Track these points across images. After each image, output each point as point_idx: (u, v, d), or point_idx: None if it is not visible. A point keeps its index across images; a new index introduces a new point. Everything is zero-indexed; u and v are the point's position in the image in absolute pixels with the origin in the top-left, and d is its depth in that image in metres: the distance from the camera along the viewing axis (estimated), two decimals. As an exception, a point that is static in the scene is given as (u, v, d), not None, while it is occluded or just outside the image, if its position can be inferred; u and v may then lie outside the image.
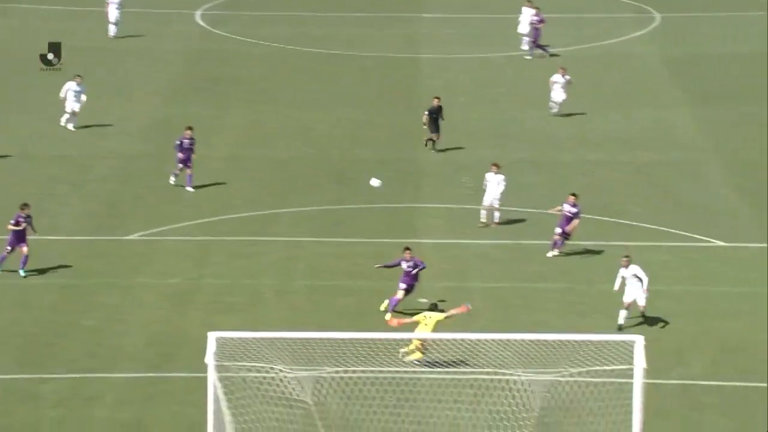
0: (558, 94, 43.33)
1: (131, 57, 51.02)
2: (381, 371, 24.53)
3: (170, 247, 33.59)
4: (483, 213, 34.50)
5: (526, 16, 51.00)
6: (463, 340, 26.30)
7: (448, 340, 26.29)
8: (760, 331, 28.63)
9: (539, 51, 50.49)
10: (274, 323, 28.47)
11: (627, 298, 27.71)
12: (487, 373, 25.71)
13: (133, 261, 32.65)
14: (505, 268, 32.20)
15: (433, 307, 26.78)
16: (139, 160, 40.25)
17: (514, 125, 43.59)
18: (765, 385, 26.30)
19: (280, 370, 23.17)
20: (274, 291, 30.92)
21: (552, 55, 50.32)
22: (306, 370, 23.29)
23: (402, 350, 26.07)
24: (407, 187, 38.02)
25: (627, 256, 27.94)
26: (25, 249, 30.99)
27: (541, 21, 50.68)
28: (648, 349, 23.00)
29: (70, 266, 31.97)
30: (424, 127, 40.00)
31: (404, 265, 28.90)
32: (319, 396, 23.97)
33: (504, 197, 34.47)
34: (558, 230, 31.98)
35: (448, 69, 50.36)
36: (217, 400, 22.55)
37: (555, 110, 43.47)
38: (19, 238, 31.05)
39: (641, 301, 27.83)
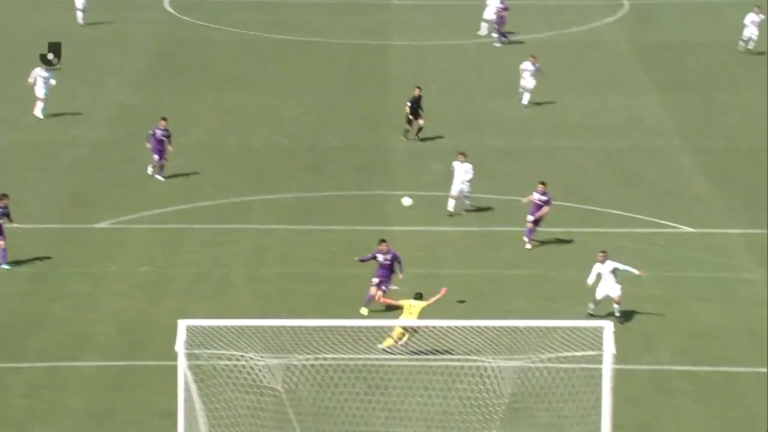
0: (528, 82, 43.42)
1: (100, 44, 50.69)
2: (352, 359, 24.57)
3: (141, 235, 33.46)
4: (450, 202, 34.55)
5: (493, 2, 51.14)
6: (434, 327, 26.37)
7: (419, 328, 26.34)
8: (729, 317, 28.87)
9: (498, 36, 50.57)
10: (246, 311, 28.45)
11: (599, 295, 27.66)
12: (458, 360, 25.80)
13: (103, 249, 32.50)
14: (476, 255, 32.29)
15: (418, 296, 26.72)
16: (108, 147, 40.03)
17: (485, 112, 43.65)
18: (735, 369, 26.52)
19: (251, 358, 23.15)
20: (246, 279, 30.87)
21: (513, 42, 50.44)
22: (277, 357, 23.29)
23: (380, 346, 26.07)
24: (378, 175, 38.03)
25: (603, 252, 27.90)
26: (2, 242, 30.61)
27: (505, 9, 50.86)
28: (617, 335, 23.13)
29: (40, 255, 31.78)
30: (411, 117, 39.90)
31: (380, 257, 28.67)
32: (290, 384, 23.98)
33: (472, 185, 34.48)
34: (529, 218, 32.05)
35: (418, 56, 50.34)
36: (187, 388, 22.51)
37: (524, 98, 43.54)
38: None
39: (616, 294, 27.77)
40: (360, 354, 24.46)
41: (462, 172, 34.30)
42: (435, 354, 26.15)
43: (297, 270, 31.35)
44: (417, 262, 30.87)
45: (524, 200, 32.15)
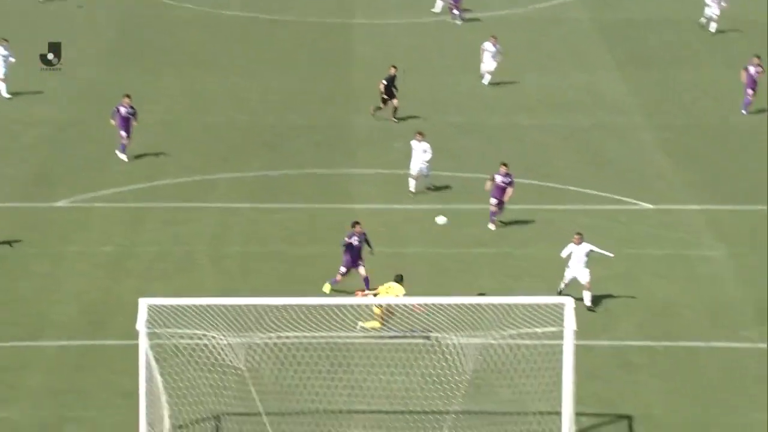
0: (488, 63, 43.46)
1: (61, 22, 50.19)
2: (314, 337, 24.61)
3: (102, 214, 33.28)
4: (411, 182, 34.57)
5: None
6: (397, 305, 26.44)
7: (382, 305, 26.40)
8: (689, 293, 29.14)
9: (458, 14, 50.55)
10: (208, 290, 28.40)
11: (567, 277, 27.65)
12: (421, 337, 25.91)
13: (64, 228, 32.31)
14: (439, 233, 32.37)
15: (399, 279, 26.57)
16: (69, 126, 39.75)
17: (447, 90, 43.67)
18: (694, 345, 26.80)
19: (213, 337, 23.13)
20: (208, 257, 30.79)
21: (474, 19, 50.45)
22: (239, 336, 23.29)
23: (359, 324, 26.05)
24: (341, 153, 38.01)
25: (579, 234, 27.85)
26: None
27: None
28: (578, 311, 23.33)
29: (0, 235, 31.53)
30: (384, 97, 39.77)
31: (355, 240, 28.31)
32: (253, 362, 23.99)
33: (431, 164, 34.47)
34: (493, 201, 32.04)
35: (380, 34, 50.25)
36: (149, 367, 22.49)
37: (485, 79, 43.59)
38: None
39: (585, 279, 27.81)
40: (322, 332, 24.50)
41: (420, 152, 34.30)
42: (398, 331, 26.22)
43: (259, 249, 31.31)
44: (380, 241, 30.86)
45: (488, 185, 32.03)
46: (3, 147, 37.91)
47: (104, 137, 38.39)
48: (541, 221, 32.97)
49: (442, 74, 45.41)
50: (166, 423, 22.27)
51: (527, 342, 24.86)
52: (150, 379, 22.45)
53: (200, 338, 23.37)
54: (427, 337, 25.26)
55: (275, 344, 24.45)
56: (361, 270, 28.21)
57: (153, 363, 22.52)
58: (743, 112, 41.08)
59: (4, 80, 41.32)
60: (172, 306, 23.11)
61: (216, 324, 23.27)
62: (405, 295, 26.17)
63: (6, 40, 40.80)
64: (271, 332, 24.30)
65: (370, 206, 33.99)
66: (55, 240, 31.55)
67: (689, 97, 43.15)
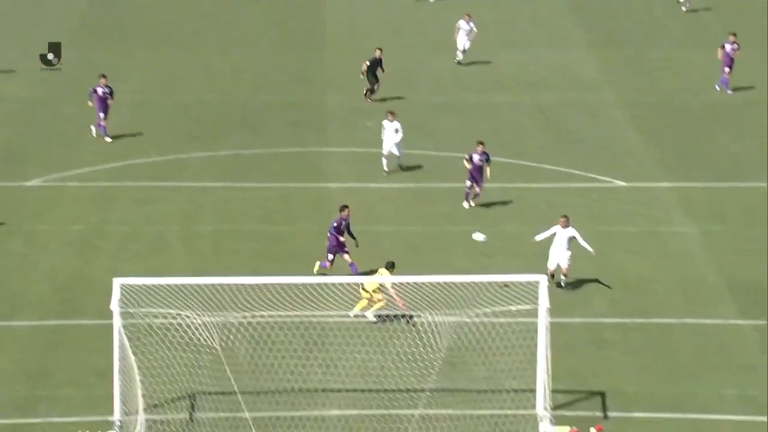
0: (462, 41, 43.42)
1: (29, -1, 49.74)
2: (289, 316, 24.58)
3: (73, 193, 33.07)
4: (384, 162, 34.52)
5: None
6: (371, 283, 26.44)
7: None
8: (660, 269, 29.32)
9: None
10: (181, 269, 28.30)
11: (551, 265, 27.58)
12: (395, 316, 25.95)
13: (34, 207, 32.08)
14: (413, 211, 32.38)
15: (390, 266, 26.21)
16: (39, 104, 39.42)
17: (421, 68, 43.61)
18: (666, 321, 26.98)
19: (187, 316, 23.07)
20: (181, 237, 30.67)
21: None
22: (213, 315, 23.23)
23: (352, 312, 25.93)
24: (313, 132, 37.90)
25: (566, 217, 27.70)
26: None
27: None
28: (551, 289, 23.43)
29: (-31, 214, 31.33)
30: (362, 77, 39.63)
31: (343, 225, 27.96)
32: (227, 341, 23.96)
33: (402, 143, 34.38)
34: (468, 183, 31.97)
35: (352, 12, 50.06)
36: (123, 346, 22.42)
37: (458, 56, 43.55)
38: None
39: (564, 264, 27.77)
40: (297, 311, 24.48)
41: (391, 131, 34.21)
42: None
43: (232, 228, 31.22)
44: (354, 219, 30.81)
45: (466, 164, 31.89)
46: (-28, 125, 37.61)
47: (74, 116, 38.13)
48: (514, 199, 33.04)
49: (415, 52, 45.34)
50: (140, 402, 22.21)
51: (501, 320, 24.95)
52: (124, 358, 22.38)
53: (174, 317, 23.31)
54: (411, 317, 25.17)
55: (249, 323, 24.42)
56: (346, 257, 27.82)
57: (126, 342, 22.44)
58: (717, 88, 41.18)
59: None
60: (145, 285, 23.02)
61: (190, 303, 23.21)
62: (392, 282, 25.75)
63: None
64: (245, 311, 24.26)
65: (343, 185, 33.94)
66: (26, 219, 31.32)
67: (661, 75, 43.30)
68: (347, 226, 28.12)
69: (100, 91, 36.01)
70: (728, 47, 40.80)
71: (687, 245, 30.70)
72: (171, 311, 23.17)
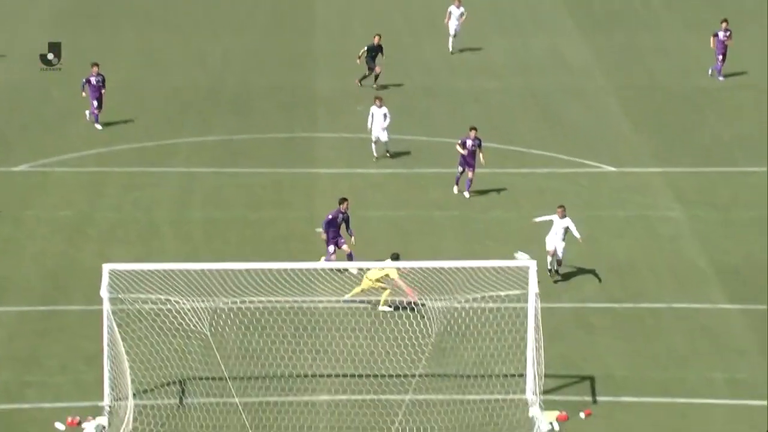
0: (453, 26, 43.36)
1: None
2: (279, 301, 24.58)
3: (61, 179, 32.97)
4: (373, 147, 34.45)
5: None
6: (361, 269, 26.46)
7: (346, 270, 26.41)
8: (649, 254, 29.37)
9: None
10: (170, 255, 28.25)
11: (549, 246, 27.44)
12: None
13: (22, 193, 31.99)
14: (403, 197, 32.37)
15: (395, 258, 25.93)
16: (26, 88, 39.26)
17: (411, 52, 43.52)
18: (654, 306, 27.04)
19: (177, 302, 23.05)
20: (170, 223, 30.61)
21: None
22: (203, 301, 23.21)
23: (346, 296, 25.82)
24: (304, 117, 37.83)
25: (563, 207, 27.62)
26: None
27: None
28: (540, 274, 23.46)
29: (-42, 200, 31.24)
30: (358, 62, 39.46)
31: (339, 218, 27.48)
32: (217, 326, 23.95)
33: (390, 129, 34.28)
34: (459, 169, 31.86)
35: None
36: (112, 332, 22.39)
37: (450, 43, 43.47)
38: None
39: (559, 253, 27.67)
40: (287, 296, 24.48)
41: (380, 117, 34.11)
42: (363, 295, 26.24)
43: (223, 213, 31.17)
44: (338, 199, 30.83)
45: (459, 150, 31.76)
46: (-41, 111, 37.47)
47: (62, 100, 38.00)
48: (504, 185, 33.04)
49: (406, 37, 45.23)
50: (129, 387, 22.20)
51: (491, 305, 24.98)
52: (113, 343, 22.36)
53: (163, 303, 23.29)
54: (423, 305, 24.80)
55: (239, 308, 24.41)
56: (344, 247, 27.54)
57: (115, 328, 22.42)
58: (711, 74, 41.16)
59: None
60: (134, 271, 22.99)
61: (179, 289, 23.20)
62: (400, 273, 25.42)
63: None
64: (235, 297, 24.25)
65: (333, 170, 33.90)
66: (14, 205, 31.23)
67: (652, 60, 43.30)
68: (346, 221, 27.57)
69: (93, 80, 35.88)
70: (721, 35, 40.78)
71: (676, 230, 30.75)
72: (160, 297, 23.15)
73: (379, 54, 39.29)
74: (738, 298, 27.24)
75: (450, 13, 43.34)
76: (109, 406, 22.60)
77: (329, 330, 24.99)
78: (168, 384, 23.38)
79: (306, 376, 23.82)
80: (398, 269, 25.69)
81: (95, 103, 35.96)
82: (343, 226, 27.66)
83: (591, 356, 25.08)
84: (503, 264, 23.96)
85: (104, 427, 22.26)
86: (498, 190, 32.66)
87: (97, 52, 41.45)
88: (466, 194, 31.84)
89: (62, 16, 46.15)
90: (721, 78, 41.01)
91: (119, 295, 22.93)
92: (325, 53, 43.40)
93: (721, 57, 40.85)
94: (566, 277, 28.14)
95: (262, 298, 24.33)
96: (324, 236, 27.56)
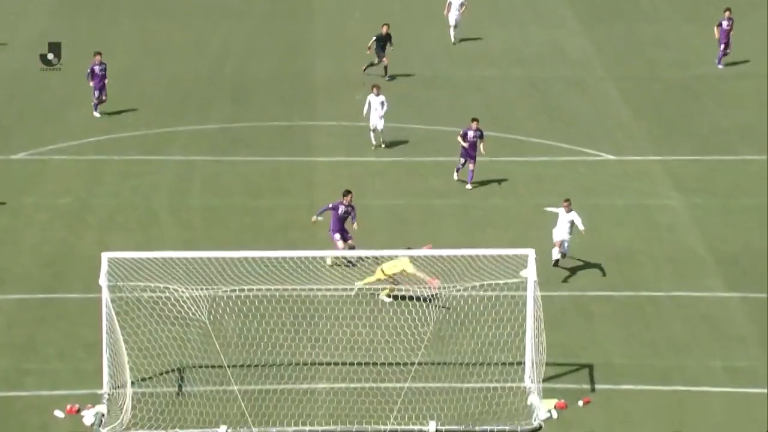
0: (453, 17, 43.27)
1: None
2: (278, 289, 24.57)
3: (60, 167, 32.93)
4: (372, 135, 34.41)
5: None
6: (360, 257, 26.45)
7: (345, 258, 26.40)
8: (647, 242, 29.37)
9: None
10: (169, 243, 28.23)
11: (557, 238, 27.36)
12: (383, 289, 25.95)
13: (20, 181, 31.95)
14: (402, 185, 32.35)
15: (411, 258, 25.49)
16: (23, 76, 39.20)
17: (410, 41, 43.44)
18: (653, 294, 27.06)
19: (176, 290, 23.03)
20: (169, 210, 30.59)
21: None
22: (202, 289, 23.21)
23: (357, 284, 25.73)
24: (302, 105, 37.78)
25: (568, 200, 27.51)
26: None
27: None
28: (540, 261, 23.46)
29: (-44, 188, 31.19)
30: (368, 53, 39.33)
31: (341, 210, 27.15)
32: (216, 314, 23.95)
33: (386, 118, 34.19)
34: (461, 160, 31.75)
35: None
36: (111, 320, 22.39)
37: (451, 34, 43.38)
38: None
39: (565, 245, 27.44)
40: (286, 284, 24.47)
41: (377, 105, 34.02)
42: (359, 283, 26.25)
43: (221, 201, 31.14)
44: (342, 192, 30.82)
45: (461, 141, 31.64)
46: (-43, 99, 37.42)
47: (59, 87, 37.96)
48: (504, 173, 33.02)
49: (406, 24, 45.14)
50: (128, 375, 22.20)
51: (490, 293, 24.99)
52: (112, 331, 22.35)
53: (162, 291, 23.27)
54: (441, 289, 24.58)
55: (238, 297, 24.40)
56: (350, 242, 27.22)
57: (114, 316, 22.41)
58: (720, 66, 41.13)
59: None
60: (133, 259, 22.97)
61: (178, 277, 23.18)
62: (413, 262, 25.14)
63: None
64: (234, 285, 24.23)
65: (332, 159, 33.87)
66: (13, 193, 31.20)
67: (650, 49, 43.25)
68: (351, 214, 27.10)
69: (96, 68, 35.83)
70: (725, 24, 40.74)
71: (675, 218, 30.75)
72: (159, 285, 23.14)
73: (388, 43, 39.15)
74: (737, 286, 27.25)
75: (450, 3, 43.23)
76: (108, 394, 22.61)
77: (328, 318, 24.98)
78: (167, 372, 23.38)
79: (305, 364, 23.82)
80: (411, 260, 25.43)
81: (96, 93, 35.92)
82: (349, 219, 27.30)
83: (590, 344, 25.09)
84: (503, 252, 23.95)
85: (103, 415, 22.26)
86: (497, 178, 32.64)
87: (95, 40, 41.38)
88: (468, 186, 31.80)
89: (62, 5, 46.05)
90: (720, 66, 40.98)
91: (118, 283, 22.92)
92: (324, 40, 43.33)
93: (723, 46, 40.82)
94: (565, 265, 28.09)
95: (261, 286, 24.32)
96: (315, 219, 27.22)
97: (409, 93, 38.45)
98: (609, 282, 27.50)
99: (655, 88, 39.84)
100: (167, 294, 23.23)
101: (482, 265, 24.41)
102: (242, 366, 23.56)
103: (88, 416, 22.33)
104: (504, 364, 23.60)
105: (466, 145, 31.53)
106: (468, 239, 28.78)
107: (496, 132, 35.39)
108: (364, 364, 23.73)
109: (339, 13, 46.36)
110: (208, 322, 23.19)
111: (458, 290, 24.91)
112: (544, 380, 23.13)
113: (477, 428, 22.12)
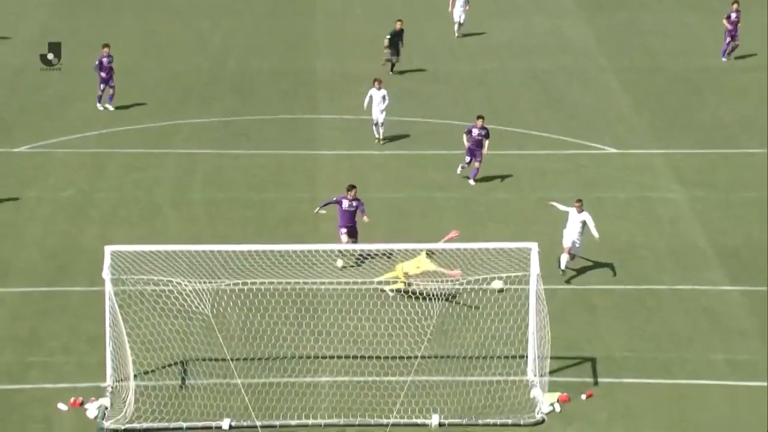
0: (457, 13, 43.24)
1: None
2: (281, 282, 24.61)
3: (62, 160, 32.97)
4: (375, 129, 34.40)
5: None
6: (362, 250, 26.49)
7: (347, 251, 26.45)
8: (648, 235, 29.41)
9: None
10: (172, 236, 28.28)
11: (566, 243, 27.09)
12: (387, 282, 25.99)
13: (23, 174, 31.99)
14: (404, 178, 32.37)
15: (430, 253, 25.39)
16: (26, 70, 39.22)
17: (412, 35, 43.43)
18: (655, 287, 27.09)
19: (179, 283, 23.08)
20: (172, 203, 30.63)
21: None
22: (205, 282, 23.24)
23: (376, 279, 25.76)
24: (304, 98, 37.80)
25: (580, 201, 27.33)
26: None
27: None
28: (543, 255, 23.49)
29: (-41, 181, 31.24)
30: (386, 50, 39.27)
31: (345, 204, 26.94)
32: (219, 308, 23.99)
33: (388, 112, 34.19)
34: (467, 158, 31.73)
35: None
36: (114, 313, 22.43)
37: (456, 28, 43.35)
38: None
39: (574, 249, 27.14)
40: (289, 278, 24.50)
41: (379, 99, 34.02)
42: (364, 276, 26.27)
43: (224, 195, 31.18)
44: (345, 186, 30.83)
45: (465, 139, 31.61)
46: (-40, 92, 37.44)
47: (62, 82, 37.97)
48: (505, 166, 33.05)
49: (407, 19, 45.08)
50: (131, 368, 22.26)
51: (492, 286, 25.02)
52: (115, 324, 22.40)
53: (165, 284, 23.32)
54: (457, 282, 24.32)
55: (241, 290, 24.44)
56: (352, 239, 26.82)
57: (117, 309, 22.46)
58: (723, 59, 41.12)
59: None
60: (136, 252, 23.01)
61: (181, 270, 23.22)
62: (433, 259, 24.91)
63: None
64: (237, 278, 24.27)
65: (334, 152, 33.90)
66: (15, 186, 31.24)
67: (653, 41, 43.23)
68: (360, 208, 26.86)
69: (105, 60, 35.86)
70: (733, 16, 40.75)
71: (676, 211, 30.77)
72: (162, 278, 23.18)
73: (400, 41, 39.12)
74: (738, 280, 27.29)
75: (454, 0, 43.23)
76: (111, 387, 22.66)
77: (331, 311, 25.02)
78: (170, 365, 23.43)
79: (308, 357, 23.87)
80: (429, 256, 25.28)
81: (102, 86, 35.95)
82: (359, 214, 27.03)
83: (592, 337, 25.13)
84: (504, 246, 23.98)
85: (106, 408, 22.32)
86: (499, 172, 32.66)
87: (95, 34, 41.38)
88: (471, 182, 31.81)
89: (63, 0, 46.10)
90: (724, 59, 40.98)
91: (121, 277, 22.97)
92: (326, 35, 43.33)
93: (729, 39, 40.84)
94: (562, 248, 28.10)
95: (264, 280, 24.36)
96: (318, 211, 27.18)
97: (410, 86, 38.46)
98: (611, 275, 27.53)
99: (657, 80, 39.83)
100: (170, 287, 23.27)
101: (484, 258, 24.43)
102: (245, 359, 23.62)
103: (92, 409, 22.39)
104: (507, 357, 23.64)
105: (468, 144, 31.44)
106: (469, 233, 28.81)
107: (498, 125, 35.40)
108: (367, 357, 23.78)
109: (341, 7, 46.35)
110: (211, 316, 23.23)
111: (461, 284, 24.95)
112: (543, 374, 23.16)
113: (480, 421, 22.17)
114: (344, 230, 26.96)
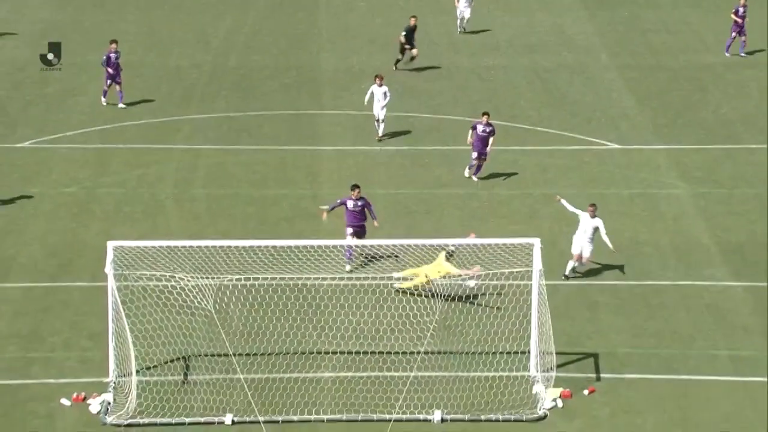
0: (461, 9, 43.20)
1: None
2: (283, 278, 24.62)
3: (65, 156, 32.98)
4: (377, 125, 34.36)
5: None
6: (365, 246, 26.49)
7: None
8: (651, 231, 29.39)
9: None
10: (174, 232, 28.29)
11: (575, 250, 26.82)
12: (389, 279, 25.99)
13: (26, 170, 32.00)
14: (406, 175, 32.37)
15: (449, 255, 25.27)
16: (29, 66, 39.22)
17: (416, 31, 43.39)
18: (657, 283, 27.08)
19: (181, 279, 23.09)
20: (174, 200, 30.64)
21: None
22: (207, 278, 23.25)
23: (395, 275, 25.72)
24: (307, 94, 37.79)
25: (594, 205, 27.03)
26: None
27: None
28: (545, 251, 23.48)
29: (-38, 177, 31.26)
30: (406, 47, 39.20)
31: (350, 204, 26.83)
32: (222, 303, 24.00)
33: (389, 109, 34.15)
34: (474, 154, 31.66)
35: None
36: (117, 309, 22.45)
37: (460, 25, 43.31)
38: None
39: (586, 253, 26.94)
40: (292, 274, 24.51)
41: (380, 95, 33.99)
42: (366, 272, 26.28)
43: (227, 191, 31.18)
44: (348, 183, 30.81)
45: (470, 135, 31.55)
46: (-37, 88, 37.44)
47: (66, 78, 37.96)
48: (508, 162, 33.03)
49: (411, 13, 45.05)
50: (134, 364, 22.27)
51: (495, 282, 25.02)
52: (117, 319, 22.42)
53: (168, 280, 23.33)
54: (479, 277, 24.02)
55: (243, 286, 24.45)
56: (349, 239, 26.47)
57: (120, 304, 22.47)
58: (727, 54, 41.09)
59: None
60: (139, 248, 23.02)
61: (184, 266, 23.23)
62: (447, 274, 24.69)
63: None
64: (239, 274, 24.28)
65: (337, 148, 33.89)
66: (18, 181, 31.26)
67: (655, 38, 43.19)
68: (367, 207, 26.71)
69: (112, 56, 35.87)
70: (741, 11, 40.72)
71: (680, 207, 30.75)
72: (165, 274, 23.19)
73: (413, 36, 39.07)
74: (742, 276, 27.27)
75: None
76: (114, 383, 22.68)
77: (333, 307, 25.03)
78: (172, 360, 23.44)
79: (310, 353, 23.88)
80: (449, 258, 25.05)
81: (109, 81, 35.97)
82: (369, 215, 26.85)
83: (595, 334, 25.12)
84: (507, 241, 23.97)
85: (109, 404, 22.34)
86: (501, 168, 32.64)
87: (99, 30, 41.37)
88: (474, 178, 31.80)
89: (65, -6, 46.10)
90: (727, 54, 40.96)
91: (124, 272, 22.98)
92: (329, 31, 43.29)
93: (734, 35, 40.82)
94: (569, 254, 28.11)
95: (266, 275, 24.36)
96: (322, 212, 27.24)
97: (413, 82, 38.44)
98: (613, 271, 27.51)
99: (660, 76, 39.79)
100: (173, 283, 23.28)
101: (487, 254, 24.42)
102: (248, 354, 23.63)
103: (94, 404, 22.41)
104: (509, 353, 23.64)
105: (471, 140, 31.39)
106: (471, 229, 28.78)
107: (501, 121, 35.38)
108: (370, 353, 23.79)
109: (344, 2, 46.30)
110: (213, 311, 23.24)
111: (463, 279, 24.93)
112: (549, 369, 23.16)
113: (482, 417, 22.17)
114: (350, 230, 26.79)
